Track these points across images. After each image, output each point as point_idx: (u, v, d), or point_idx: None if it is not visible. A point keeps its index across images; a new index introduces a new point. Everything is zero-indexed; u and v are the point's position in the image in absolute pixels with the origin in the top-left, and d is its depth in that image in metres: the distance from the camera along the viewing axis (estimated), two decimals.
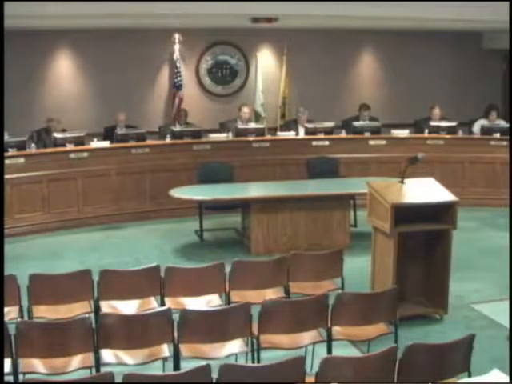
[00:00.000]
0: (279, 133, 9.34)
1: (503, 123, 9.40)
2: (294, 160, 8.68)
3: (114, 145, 8.40)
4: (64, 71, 9.90)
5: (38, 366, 3.78)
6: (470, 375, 3.55)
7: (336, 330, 4.26)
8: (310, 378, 3.41)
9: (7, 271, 4.59)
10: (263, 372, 3.35)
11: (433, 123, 9.28)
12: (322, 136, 8.98)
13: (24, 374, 3.75)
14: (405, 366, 3.41)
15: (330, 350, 4.18)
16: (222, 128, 9.35)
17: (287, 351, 4.09)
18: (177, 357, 3.96)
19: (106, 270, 4.64)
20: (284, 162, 8.73)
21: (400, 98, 10.97)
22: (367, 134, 9.09)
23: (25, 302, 4.53)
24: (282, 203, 7.03)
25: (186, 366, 3.70)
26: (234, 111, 9.45)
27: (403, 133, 9.23)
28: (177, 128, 9.05)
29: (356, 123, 9.26)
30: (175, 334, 3.97)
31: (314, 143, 8.90)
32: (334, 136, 9.06)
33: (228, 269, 4.82)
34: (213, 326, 4.02)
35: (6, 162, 7.38)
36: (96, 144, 8.36)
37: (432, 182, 5.47)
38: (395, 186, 5.35)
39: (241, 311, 4.08)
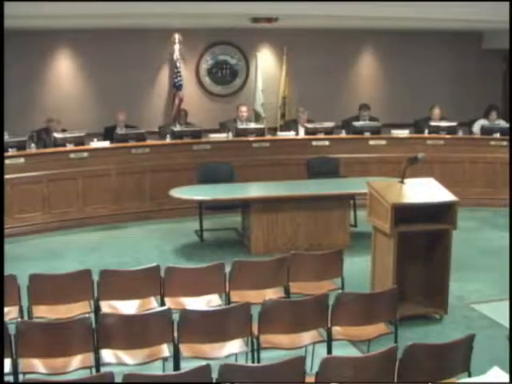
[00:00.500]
0: (279, 133, 9.35)
1: (503, 123, 9.41)
2: (294, 160, 8.68)
3: (114, 145, 8.40)
4: (64, 71, 9.90)
5: (38, 366, 3.78)
6: (469, 375, 3.55)
7: (336, 330, 4.26)
8: (310, 378, 3.41)
9: (7, 271, 4.58)
10: (263, 372, 3.35)
11: (433, 123, 9.28)
12: (322, 136, 8.98)
13: (24, 373, 3.75)
14: (405, 365, 3.41)
15: (330, 350, 4.18)
16: (222, 128, 9.35)
17: (287, 351, 4.09)
18: (177, 357, 3.96)
19: (106, 270, 4.64)
20: (284, 162, 8.73)
21: (400, 98, 10.97)
22: (367, 134, 9.09)
23: (25, 302, 4.53)
24: (281, 203, 7.03)
25: (186, 365, 3.70)
26: (233, 111, 9.45)
27: (403, 133, 9.23)
28: (177, 128, 9.05)
29: (356, 123, 9.26)
30: (175, 334, 3.97)
31: (314, 143, 8.90)
32: (334, 136, 9.06)
33: (228, 269, 4.82)
34: (213, 326, 4.02)
35: (6, 162, 7.38)
36: (96, 144, 8.36)
37: (432, 182, 5.48)
38: (395, 186, 5.35)
39: (241, 311, 4.08)
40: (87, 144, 8.32)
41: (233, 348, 4.09)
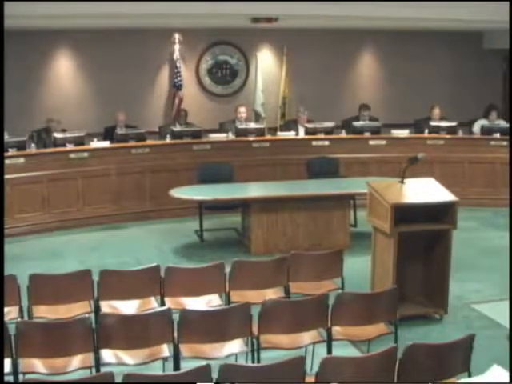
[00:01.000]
0: (279, 133, 9.35)
1: (503, 123, 9.40)
2: (294, 160, 8.68)
3: (114, 145, 8.40)
4: (64, 71, 9.90)
5: (38, 365, 3.78)
6: (469, 375, 3.55)
7: (336, 330, 4.26)
8: (310, 378, 3.41)
9: (7, 271, 4.59)
10: (263, 372, 3.35)
11: (433, 123, 9.28)
12: (322, 136, 8.98)
13: (24, 374, 3.75)
14: (405, 365, 3.41)
15: (330, 350, 4.18)
16: (222, 128, 9.35)
17: (287, 351, 4.09)
18: (177, 357, 3.96)
19: (105, 270, 4.64)
20: (284, 162, 8.74)
21: (400, 97, 10.97)
22: (367, 134, 9.09)
23: (25, 302, 4.52)
24: (281, 203, 7.03)
25: (186, 365, 3.70)
26: (233, 111, 9.45)
27: (403, 133, 9.23)
28: (177, 128, 9.05)
29: (356, 123, 9.26)
30: (175, 334, 3.96)
31: (314, 143, 8.90)
32: (334, 136, 9.06)
33: (228, 269, 4.82)
34: (213, 326, 4.02)
35: (6, 162, 7.38)
36: (96, 144, 8.36)
37: (432, 182, 5.47)
38: (395, 186, 5.35)
39: (241, 311, 4.08)
40: (87, 144, 8.32)
41: (233, 348, 4.09)
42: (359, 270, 5.84)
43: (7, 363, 3.73)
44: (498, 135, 9.00)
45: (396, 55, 10.99)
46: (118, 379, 3.20)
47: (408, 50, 10.95)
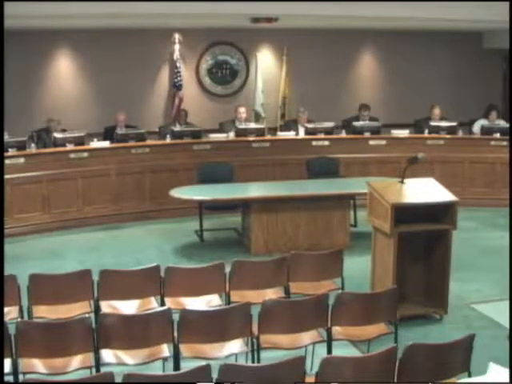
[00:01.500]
0: (279, 133, 9.35)
1: (503, 123, 9.40)
2: (294, 160, 8.68)
3: (114, 145, 8.40)
4: (64, 71, 9.90)
5: (38, 365, 3.79)
6: (469, 375, 3.55)
7: (336, 330, 4.26)
8: (310, 378, 3.41)
9: (7, 271, 4.59)
10: (263, 372, 3.35)
11: (433, 123, 9.28)
12: (322, 136, 8.98)
13: (24, 374, 3.75)
14: (405, 365, 3.41)
15: (330, 350, 4.19)
16: (222, 128, 9.35)
17: (287, 351, 4.09)
18: (177, 357, 3.96)
19: (105, 270, 4.64)
20: (284, 162, 8.73)
21: (400, 98, 10.97)
22: (367, 134, 9.09)
23: (25, 302, 4.53)
24: (281, 203, 7.03)
25: (186, 365, 3.71)
26: (233, 111, 9.44)
27: (403, 133, 9.23)
28: (177, 128, 9.05)
29: (356, 123, 9.26)
30: (175, 334, 3.97)
31: (314, 143, 8.90)
32: (334, 136, 9.06)
33: (228, 269, 4.82)
34: (213, 326, 4.02)
35: (6, 162, 7.38)
36: (96, 144, 8.36)
37: (432, 182, 5.48)
38: (395, 186, 5.35)
39: (241, 311, 4.09)
40: (87, 144, 8.32)
41: (233, 348, 4.09)
42: (359, 270, 5.84)
43: (7, 363, 3.73)
44: (498, 135, 9.00)
45: (396, 55, 10.99)
46: (118, 379, 3.20)
47: (408, 50, 10.95)
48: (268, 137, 9.06)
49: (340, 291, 4.60)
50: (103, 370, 3.74)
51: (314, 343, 4.25)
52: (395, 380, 3.43)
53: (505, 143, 8.77)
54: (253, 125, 9.35)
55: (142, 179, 8.36)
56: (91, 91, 9.99)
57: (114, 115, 9.13)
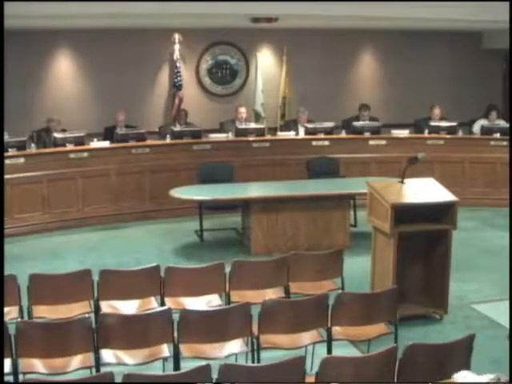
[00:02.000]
0: (279, 133, 9.35)
1: (503, 123, 9.40)
2: (294, 160, 8.68)
3: (114, 145, 8.40)
4: (64, 71, 9.90)
5: (37, 366, 3.78)
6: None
7: (336, 330, 4.26)
8: (310, 378, 3.41)
9: (7, 271, 4.59)
10: (263, 372, 3.35)
11: (433, 123, 9.28)
12: (322, 136, 8.98)
13: (24, 374, 3.75)
14: (405, 365, 3.41)
15: (330, 350, 4.18)
16: (222, 128, 9.35)
17: (287, 351, 4.09)
18: (177, 357, 3.96)
19: (105, 270, 4.64)
20: (284, 162, 8.73)
21: (400, 98, 10.97)
22: (367, 134, 9.09)
23: (25, 302, 4.53)
24: (281, 203, 7.03)
25: (186, 365, 3.70)
26: (234, 111, 9.44)
27: (403, 133, 9.23)
28: (177, 128, 9.06)
29: (356, 123, 9.26)
30: (175, 334, 3.96)
31: (314, 143, 8.90)
32: (334, 136, 9.06)
33: (228, 269, 4.82)
34: (213, 326, 4.02)
35: (6, 162, 7.38)
36: (96, 144, 8.36)
37: (432, 182, 5.48)
38: (395, 186, 5.35)
39: (241, 311, 4.08)
40: (87, 144, 8.32)
41: (233, 348, 4.09)
42: (359, 270, 5.84)
43: (7, 363, 3.73)
44: (498, 135, 9.01)
45: (396, 55, 10.99)
46: (118, 379, 3.20)
47: (408, 49, 10.95)
48: (268, 137, 9.06)
49: (340, 291, 4.60)
50: (103, 370, 3.74)
51: (314, 343, 4.25)
52: (395, 380, 3.42)
53: (505, 143, 8.78)
54: (253, 125, 9.35)
55: (142, 179, 8.36)
56: (91, 91, 9.99)
57: (114, 115, 9.13)
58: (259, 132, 8.95)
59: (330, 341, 4.21)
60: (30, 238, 7.57)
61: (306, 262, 5.07)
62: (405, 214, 5.07)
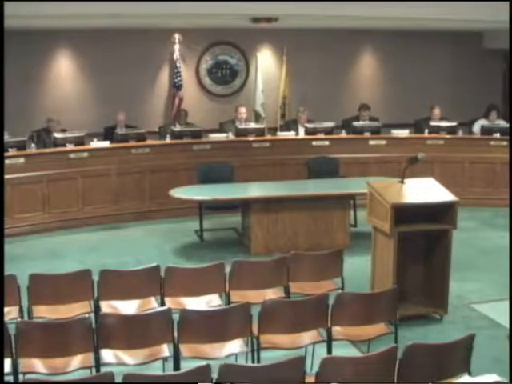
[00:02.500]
0: (279, 133, 9.35)
1: (503, 123, 9.40)
2: (294, 160, 8.68)
3: (114, 145, 8.40)
4: (64, 71, 9.90)
5: (38, 365, 3.79)
6: (470, 375, 3.55)
7: (336, 329, 4.26)
8: (310, 378, 3.41)
9: (7, 271, 4.59)
10: (263, 372, 3.35)
11: (433, 123, 9.28)
12: (322, 136, 8.98)
13: (24, 374, 3.75)
14: (405, 366, 3.41)
15: (330, 350, 4.18)
16: (222, 128, 9.35)
17: (287, 351, 4.09)
18: (177, 357, 3.96)
19: (105, 270, 4.64)
20: (284, 162, 8.73)
21: (400, 97, 10.97)
22: (367, 134, 9.09)
23: (25, 302, 4.53)
24: (281, 203, 7.03)
25: (186, 365, 3.70)
26: (234, 111, 9.44)
27: (403, 133, 9.23)
28: (177, 128, 9.05)
29: (356, 123, 9.26)
30: (175, 334, 3.97)
31: (314, 143, 8.90)
32: (334, 136, 9.06)
33: (228, 269, 4.82)
34: (213, 326, 4.02)
35: (6, 161, 7.38)
36: (96, 144, 8.36)
37: (432, 182, 5.47)
38: (395, 186, 5.35)
39: (241, 311, 4.08)
40: (87, 144, 8.32)
41: (233, 348, 4.09)
42: (359, 270, 5.85)
43: (7, 363, 3.73)
44: (497, 135, 9.00)
45: (396, 55, 10.99)
46: (118, 379, 3.20)
47: (408, 49, 10.95)
48: (268, 137, 9.06)
49: (340, 291, 4.60)
50: (103, 370, 3.74)
51: (314, 343, 4.25)
52: (395, 380, 3.43)
53: (505, 143, 8.77)
54: (253, 125, 9.35)
55: (142, 179, 8.36)
56: (91, 91, 9.99)
57: (114, 115, 9.13)
58: (259, 132, 8.95)
59: (330, 341, 4.21)
60: (30, 238, 7.57)
61: (306, 261, 5.07)
62: (405, 214, 5.07)
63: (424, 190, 5.35)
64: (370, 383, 3.42)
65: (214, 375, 3.28)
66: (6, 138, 7.70)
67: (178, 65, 10.00)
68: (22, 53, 9.32)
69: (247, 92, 10.63)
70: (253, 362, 4.10)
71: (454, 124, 9.19)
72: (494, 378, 3.19)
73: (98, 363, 3.85)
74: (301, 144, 8.97)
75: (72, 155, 8.02)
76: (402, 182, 5.36)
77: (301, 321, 4.19)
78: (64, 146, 8.11)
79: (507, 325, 5.04)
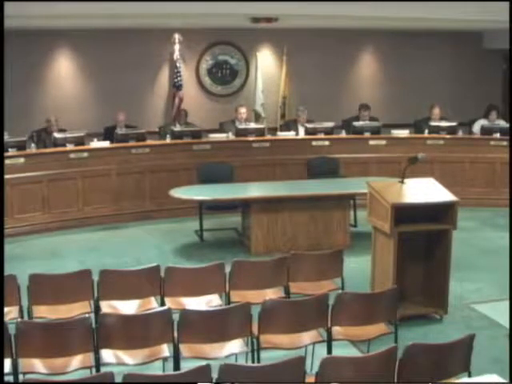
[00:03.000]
0: (279, 133, 9.34)
1: (503, 123, 9.41)
2: (294, 160, 8.68)
3: (114, 145, 8.40)
4: (64, 71, 9.90)
5: (38, 365, 3.78)
6: (470, 375, 3.55)
7: (336, 329, 4.26)
8: (310, 378, 3.41)
9: (7, 271, 4.59)
10: (263, 372, 3.35)
11: (433, 123, 9.28)
12: (322, 136, 8.98)
13: (24, 374, 3.75)
14: (405, 365, 3.41)
15: (330, 350, 4.18)
16: (222, 128, 9.35)
17: (287, 351, 4.09)
18: (177, 357, 3.96)
19: (105, 270, 4.64)
20: (284, 162, 8.73)
21: (400, 98, 10.97)
22: (367, 134, 9.09)
23: (25, 302, 4.53)
24: (281, 203, 7.03)
25: (186, 365, 3.70)
26: (234, 111, 9.45)
27: (403, 133, 9.23)
28: (177, 128, 9.05)
29: (356, 123, 9.26)
30: (175, 334, 3.97)
31: (314, 143, 8.90)
32: (334, 136, 9.06)
33: (228, 269, 4.82)
34: (213, 326, 4.02)
35: (6, 162, 7.38)
36: (96, 144, 8.36)
37: (432, 182, 5.47)
38: (395, 186, 5.35)
39: (241, 311, 4.08)
40: (87, 144, 8.32)
41: (233, 348, 4.09)
42: (359, 270, 5.85)
43: (7, 363, 3.73)
44: (498, 135, 9.00)
45: (396, 55, 10.99)
46: (118, 379, 3.20)
47: (408, 49, 10.95)
48: (268, 137, 9.06)
49: (340, 291, 4.60)
50: (103, 370, 3.74)
51: (314, 343, 4.25)
52: (395, 380, 3.43)
53: (505, 143, 8.78)
54: (253, 125, 9.34)
55: (142, 179, 8.36)
56: (91, 91, 9.99)
57: (114, 115, 9.13)
58: (259, 132, 8.95)
59: (330, 341, 4.21)
60: (30, 238, 7.57)
61: (306, 262, 5.07)
62: (405, 214, 5.07)
63: (424, 190, 5.35)
64: (370, 383, 3.42)
65: (214, 375, 3.28)
66: (6, 138, 7.70)
67: (178, 65, 10.00)
68: (22, 53, 9.32)
69: (247, 92, 10.63)
70: (253, 362, 4.10)
71: (454, 124, 9.19)
72: (494, 378, 3.19)
73: (98, 363, 3.85)
74: (301, 144, 8.97)
75: (72, 155, 8.02)
76: (402, 182, 5.36)
77: (301, 321, 4.19)
78: (64, 146, 8.11)
79: (507, 325, 5.05)
